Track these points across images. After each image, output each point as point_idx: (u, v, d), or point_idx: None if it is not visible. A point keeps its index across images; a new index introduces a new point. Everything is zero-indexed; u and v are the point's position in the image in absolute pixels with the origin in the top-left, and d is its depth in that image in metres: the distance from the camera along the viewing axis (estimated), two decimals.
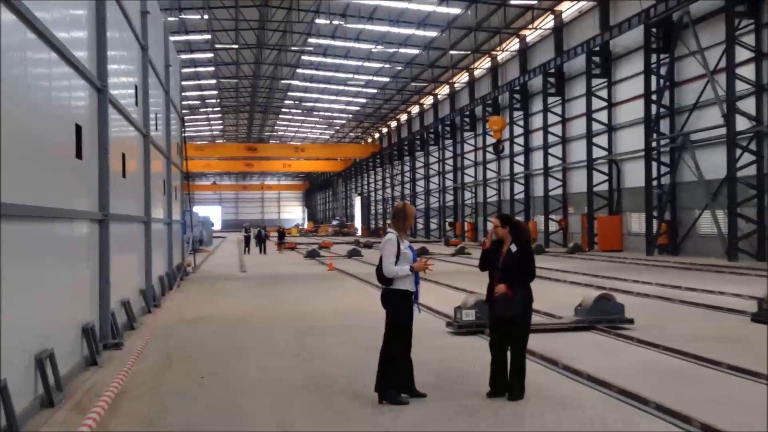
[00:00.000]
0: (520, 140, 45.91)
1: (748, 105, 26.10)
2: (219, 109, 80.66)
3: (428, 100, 68.27)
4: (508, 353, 6.63)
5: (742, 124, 26.15)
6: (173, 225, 19.42)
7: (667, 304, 13.75)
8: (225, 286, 19.71)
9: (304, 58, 57.62)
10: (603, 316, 10.27)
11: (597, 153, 36.47)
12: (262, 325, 11.91)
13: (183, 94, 63.55)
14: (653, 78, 31.03)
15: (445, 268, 25.03)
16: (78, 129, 8.05)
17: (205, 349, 9.69)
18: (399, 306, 6.53)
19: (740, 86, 26.06)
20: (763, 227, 25.53)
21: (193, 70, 59.05)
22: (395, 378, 6.51)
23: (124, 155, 11.37)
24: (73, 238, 7.90)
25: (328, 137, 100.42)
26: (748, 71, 26.05)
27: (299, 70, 61.01)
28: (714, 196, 27.56)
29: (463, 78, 58.39)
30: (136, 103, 13.02)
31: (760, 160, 25.61)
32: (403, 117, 78.57)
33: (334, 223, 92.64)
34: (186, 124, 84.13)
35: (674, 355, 8.60)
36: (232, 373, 8.06)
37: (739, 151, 26.04)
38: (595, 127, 36.42)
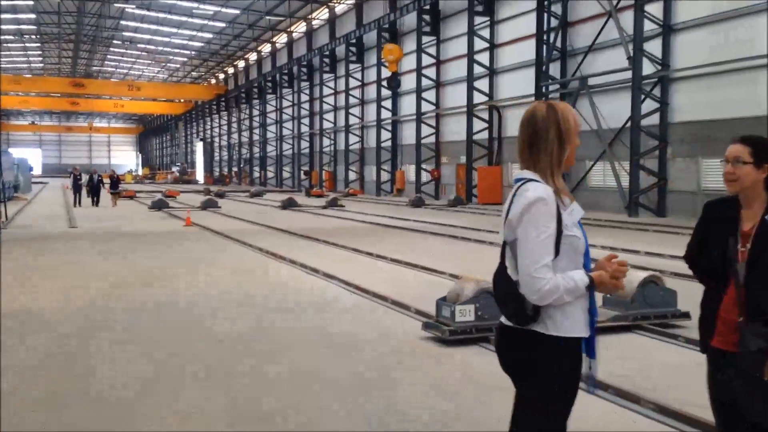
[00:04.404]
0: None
1: (653, 47, 24.14)
2: (38, 37, 70.03)
3: (282, 38, 62.86)
4: None
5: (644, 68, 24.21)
6: None
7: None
8: (52, 251, 14.59)
9: None
10: (652, 309, 6.94)
11: (476, 98, 33.80)
12: (131, 331, 7.09)
13: None
14: (545, 17, 28.51)
15: (325, 225, 21.19)
16: None
17: (26, 415, 5.11)
18: (558, 376, 2.50)
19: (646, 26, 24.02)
20: (665, 180, 23.89)
21: (9, 2, 50.20)
22: None
23: None
24: None
25: (167, 76, 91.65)
26: (655, 9, 23.95)
27: None
28: (611, 146, 25.64)
29: (322, 14, 53.73)
30: None
31: (664, 108, 23.83)
32: (253, 57, 72.55)
33: (175, 169, 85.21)
34: None
35: None
36: None
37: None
38: (476, 70, 33.64)
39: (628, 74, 24.17)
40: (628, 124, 24.26)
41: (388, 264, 12.28)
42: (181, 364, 5.92)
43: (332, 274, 10.56)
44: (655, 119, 24.10)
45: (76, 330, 7.28)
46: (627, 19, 24.40)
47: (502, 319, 2.63)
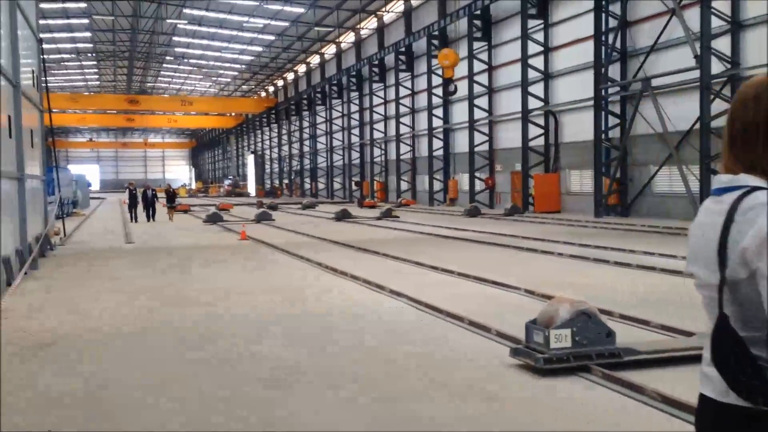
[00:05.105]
0: (439, 91, 41.63)
1: (721, 45, 22.98)
2: (94, 55, 71.52)
3: (331, 49, 62.84)
4: None
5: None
6: (28, 182, 13.88)
7: None
8: (107, 268, 14.36)
9: (186, 11, 51.71)
10: None
11: (531, 104, 32.87)
12: (196, 349, 6.90)
13: (51, 34, 55.29)
14: (603, 17, 27.54)
15: (383, 236, 20.64)
16: None
17: None
18: None
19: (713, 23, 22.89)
20: None
21: (65, 21, 52.03)
22: None
23: None
24: None
25: (218, 90, 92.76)
26: (723, 5, 22.81)
27: (186, 10, 53.98)
28: (677, 149, 24.47)
29: (371, 24, 53.46)
30: None
31: None
32: (302, 69, 72.75)
33: (227, 183, 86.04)
34: (55, 74, 74.60)
35: None
36: None
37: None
38: (530, 74, 32.74)
39: (695, 74, 23.03)
40: (697, 125, 23.12)
41: (455, 278, 11.64)
42: (241, 395, 5.41)
43: (399, 291, 9.96)
44: (724, 120, 22.88)
45: (117, 361, 6.86)
46: (692, 16, 23.31)
47: (710, 391, 1.79)
